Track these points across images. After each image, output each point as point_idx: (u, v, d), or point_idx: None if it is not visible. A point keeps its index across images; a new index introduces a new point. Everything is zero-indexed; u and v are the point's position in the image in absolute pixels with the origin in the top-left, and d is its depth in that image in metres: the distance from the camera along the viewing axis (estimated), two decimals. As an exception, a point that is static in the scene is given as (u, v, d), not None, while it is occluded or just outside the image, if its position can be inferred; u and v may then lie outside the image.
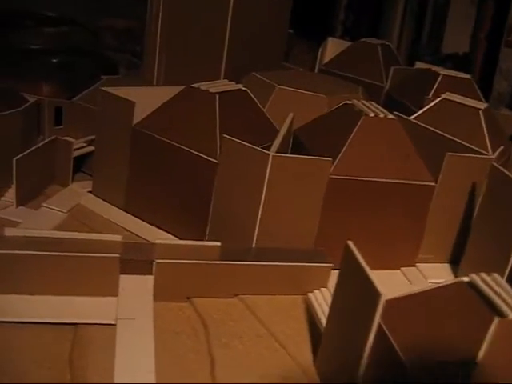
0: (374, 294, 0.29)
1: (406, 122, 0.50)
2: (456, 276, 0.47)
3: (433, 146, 0.48)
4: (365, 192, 0.44)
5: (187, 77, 0.61)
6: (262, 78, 0.59)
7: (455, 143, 0.47)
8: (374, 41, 0.74)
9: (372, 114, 0.45)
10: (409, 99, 0.65)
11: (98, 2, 1.21)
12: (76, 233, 0.42)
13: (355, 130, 0.44)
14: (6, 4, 0.93)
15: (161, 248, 0.41)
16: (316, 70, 0.75)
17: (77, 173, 0.55)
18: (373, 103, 0.48)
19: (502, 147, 0.49)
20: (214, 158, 0.43)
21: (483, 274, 0.30)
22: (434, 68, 0.66)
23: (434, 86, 0.63)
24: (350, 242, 0.32)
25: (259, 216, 0.42)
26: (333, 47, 0.80)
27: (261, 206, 0.42)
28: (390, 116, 0.45)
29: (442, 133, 0.48)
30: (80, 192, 0.53)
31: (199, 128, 0.45)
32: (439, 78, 0.64)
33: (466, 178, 0.45)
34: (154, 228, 0.48)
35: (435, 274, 0.47)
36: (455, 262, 0.48)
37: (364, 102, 0.48)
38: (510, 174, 0.41)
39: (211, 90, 0.46)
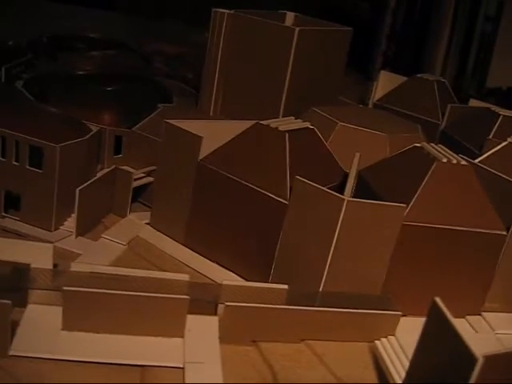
0: (469, 357, 0.28)
1: (475, 167, 0.49)
2: (524, 328, 0.45)
3: (502, 192, 0.47)
4: (436, 239, 0.43)
5: (244, 110, 0.61)
6: (323, 113, 0.59)
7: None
8: (430, 77, 0.74)
9: (445, 160, 0.44)
10: (466, 139, 0.64)
11: (148, 27, 1.22)
12: (142, 270, 0.41)
13: (428, 176, 0.43)
14: (58, 27, 0.94)
15: (227, 289, 0.40)
16: (370, 105, 0.74)
17: (133, 202, 0.55)
18: (442, 146, 0.47)
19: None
20: (284, 199, 0.43)
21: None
22: (494, 108, 0.65)
23: (493, 126, 0.62)
24: (437, 299, 0.31)
25: (329, 260, 0.41)
26: (385, 81, 0.80)
27: (331, 250, 0.41)
28: (463, 162, 0.44)
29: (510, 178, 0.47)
30: (138, 223, 0.52)
31: (268, 166, 0.45)
32: (499, 119, 0.63)
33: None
34: (215, 265, 0.47)
35: (502, 325, 0.46)
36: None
37: (433, 145, 0.47)
38: None
39: (281, 128, 0.46)
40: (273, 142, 0.46)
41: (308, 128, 0.49)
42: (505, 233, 0.44)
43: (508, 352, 0.30)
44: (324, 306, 0.41)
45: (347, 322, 0.41)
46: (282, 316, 0.40)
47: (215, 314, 0.41)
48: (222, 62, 0.63)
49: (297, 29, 0.58)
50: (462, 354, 0.28)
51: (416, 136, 0.58)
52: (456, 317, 0.47)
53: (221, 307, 0.40)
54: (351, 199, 0.40)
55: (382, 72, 0.81)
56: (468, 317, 0.46)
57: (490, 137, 0.62)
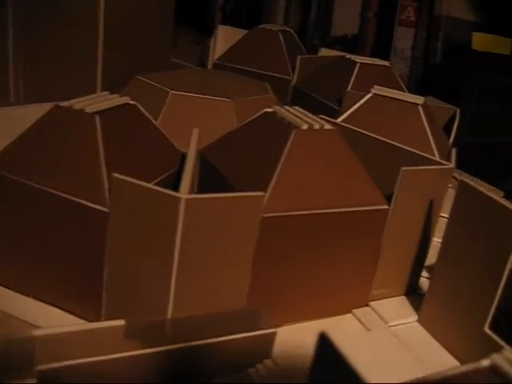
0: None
1: (342, 130, 0.41)
2: (419, 315, 0.38)
3: (375, 156, 0.39)
4: (307, 228, 0.34)
5: (54, 88, 0.49)
6: (150, 82, 0.47)
7: (401, 151, 0.38)
8: (273, 27, 0.64)
9: (305, 126, 0.34)
10: (323, 93, 0.56)
11: None
12: None
13: (286, 149, 0.34)
14: None
15: (43, 341, 0.29)
16: (209, 66, 0.63)
17: None
18: (298, 108, 0.38)
19: (454, 149, 0.40)
20: (103, 206, 0.31)
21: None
22: (349, 55, 0.57)
23: (351, 76, 0.54)
24: (325, 333, 0.22)
25: (174, 277, 0.31)
26: (225, 37, 0.70)
27: (174, 264, 0.31)
28: (327, 126, 0.35)
29: (386, 139, 0.39)
30: None
31: (76, 163, 0.33)
32: (356, 67, 0.55)
33: (423, 195, 0.36)
34: (31, 301, 0.35)
35: (393, 314, 0.38)
36: (413, 293, 0.40)
37: (287, 107, 0.38)
38: (484, 190, 0.33)
39: (88, 110, 0.34)
40: (79, 129, 0.34)
41: (127, 104, 0.38)
42: (386, 206, 0.36)
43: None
44: (175, 341, 0.30)
45: (209, 355, 0.31)
46: (120, 364, 0.29)
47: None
48: (16, 29, 0.49)
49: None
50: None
51: (266, 97, 0.48)
52: (342, 313, 0.40)
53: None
54: (190, 196, 0.30)
55: (220, 27, 0.71)
56: (355, 310, 0.38)
57: (349, 88, 0.54)
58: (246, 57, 0.62)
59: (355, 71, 0.54)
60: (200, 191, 0.40)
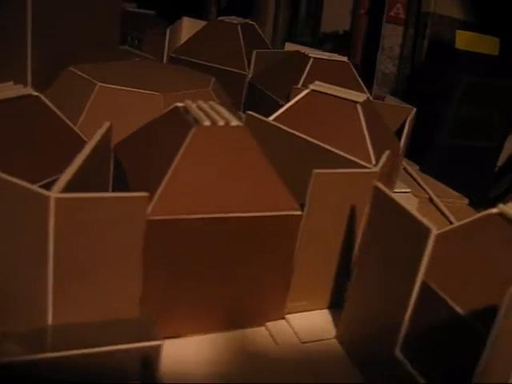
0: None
1: (262, 125, 0.38)
2: (337, 330, 0.35)
3: (299, 156, 0.36)
4: (203, 234, 0.31)
5: None
6: (81, 73, 0.45)
7: (326, 152, 0.35)
8: (233, 20, 0.61)
9: (207, 122, 0.32)
10: (275, 90, 0.53)
11: None
12: None
13: (183, 147, 0.31)
14: None
15: None
16: (165, 58, 0.61)
17: None
18: (213, 104, 0.35)
19: (387, 152, 0.37)
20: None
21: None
22: (304, 50, 0.54)
23: (303, 72, 0.51)
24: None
25: (50, 282, 0.28)
26: (188, 29, 0.67)
27: (49, 268, 0.28)
28: (235, 122, 0.32)
29: (309, 138, 0.36)
30: None
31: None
32: (309, 63, 0.52)
33: (341, 199, 0.33)
34: None
35: (308, 330, 0.35)
36: (339, 306, 0.37)
37: (202, 102, 0.35)
38: (396, 199, 0.30)
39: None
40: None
41: (31, 96, 0.35)
42: (298, 212, 0.33)
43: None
44: (54, 349, 0.28)
45: (88, 365, 0.28)
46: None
47: None
48: None
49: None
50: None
51: (201, 92, 0.46)
52: (255, 325, 0.37)
53: None
54: (60, 195, 0.27)
55: (185, 18, 0.68)
56: (269, 324, 0.35)
57: (300, 83, 0.51)
58: (201, 50, 0.59)
59: (308, 66, 0.51)
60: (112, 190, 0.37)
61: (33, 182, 0.34)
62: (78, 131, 0.37)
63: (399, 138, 0.48)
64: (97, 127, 0.38)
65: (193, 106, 0.34)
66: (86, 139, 0.37)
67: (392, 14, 0.96)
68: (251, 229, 0.31)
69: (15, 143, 0.34)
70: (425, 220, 0.27)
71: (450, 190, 0.57)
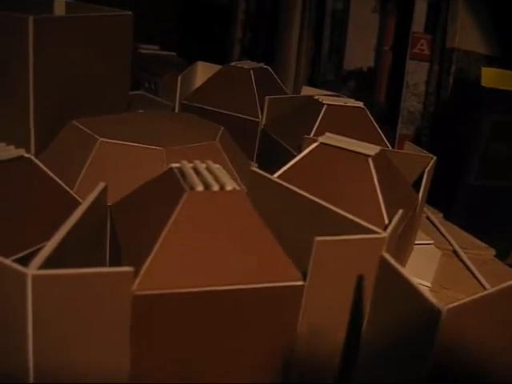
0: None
1: (267, 183, 0.36)
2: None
3: (304, 218, 0.34)
4: (195, 309, 0.28)
5: None
6: (83, 127, 0.43)
7: (332, 213, 0.33)
8: (246, 64, 0.60)
9: (200, 187, 0.30)
10: (287, 138, 0.51)
11: None
12: None
13: (173, 215, 0.29)
14: None
15: None
16: (176, 106, 0.59)
17: None
18: (210, 164, 0.33)
19: (399, 212, 0.35)
20: None
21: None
22: (320, 94, 0.52)
23: (316, 120, 0.49)
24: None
25: (31, 364, 0.26)
26: (203, 74, 0.66)
27: (29, 351, 0.26)
28: (230, 186, 0.30)
29: (314, 198, 0.34)
30: None
31: None
32: (323, 110, 0.50)
33: (346, 269, 0.31)
34: None
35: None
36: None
37: (198, 163, 0.33)
38: (403, 272, 0.27)
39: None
40: None
41: (21, 158, 0.34)
42: (300, 282, 0.30)
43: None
44: None
45: None
46: None
47: None
48: None
49: (30, 17, 0.42)
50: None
51: (207, 145, 0.44)
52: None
53: None
54: (38, 272, 0.25)
55: (199, 63, 0.67)
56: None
57: (313, 132, 0.49)
58: (214, 96, 0.57)
59: (321, 114, 0.49)
60: (110, 258, 0.36)
61: (23, 248, 0.32)
62: (72, 193, 0.36)
63: (418, 189, 0.45)
64: (97, 184, 0.37)
65: (188, 167, 0.32)
66: (81, 201, 0.36)
67: (416, 50, 0.94)
68: (248, 302, 0.29)
69: (5, 207, 0.32)
70: (434, 300, 0.24)
71: (476, 241, 0.53)
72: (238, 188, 0.30)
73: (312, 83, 1.08)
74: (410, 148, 0.50)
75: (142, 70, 0.78)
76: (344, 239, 0.30)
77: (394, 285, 0.27)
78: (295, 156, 0.48)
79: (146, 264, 0.28)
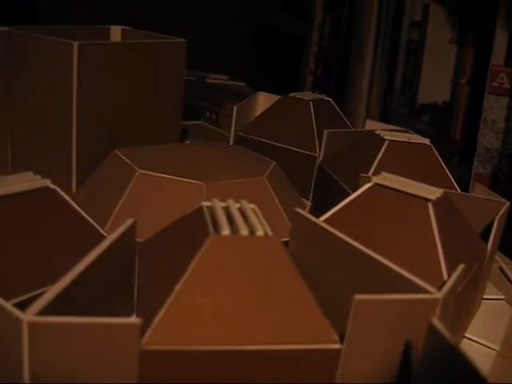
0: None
1: (311, 226, 0.32)
2: None
3: (351, 270, 0.30)
4: (218, 372, 0.25)
5: (38, 158, 0.45)
6: (124, 157, 0.41)
7: (379, 265, 0.29)
8: (306, 95, 0.57)
9: (226, 231, 0.26)
10: (344, 176, 0.47)
11: None
12: None
13: (196, 260, 0.26)
14: None
15: None
16: (231, 138, 0.57)
17: None
18: (244, 205, 0.30)
19: (460, 267, 0.30)
20: None
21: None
22: (379, 131, 0.48)
23: (376, 157, 0.45)
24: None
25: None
26: (263, 104, 0.63)
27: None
28: (261, 231, 0.27)
29: (360, 246, 0.30)
30: None
31: None
32: (384, 146, 0.46)
33: (390, 332, 0.26)
34: None
35: None
36: None
37: (231, 202, 0.30)
38: (449, 338, 0.23)
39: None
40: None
41: (47, 189, 0.32)
42: (337, 346, 0.26)
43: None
44: None
45: None
46: None
47: None
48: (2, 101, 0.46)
49: (75, 43, 0.41)
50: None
51: (255, 181, 0.41)
52: None
53: None
54: (35, 319, 0.23)
55: (260, 93, 0.65)
56: None
57: (371, 170, 0.45)
58: (270, 129, 0.54)
59: (382, 150, 0.45)
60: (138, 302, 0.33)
61: (40, 284, 0.30)
62: (97, 227, 0.33)
63: (487, 237, 0.40)
64: (132, 218, 0.35)
65: (219, 206, 0.29)
66: (106, 236, 0.33)
67: (495, 84, 0.88)
68: (275, 366, 0.25)
69: (25, 239, 0.30)
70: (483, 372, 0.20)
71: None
72: (270, 233, 0.27)
73: (384, 116, 1.04)
74: (480, 191, 0.45)
75: (206, 99, 0.77)
76: (388, 299, 0.26)
77: (443, 354, 0.23)
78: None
79: (159, 315, 0.25)
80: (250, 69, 1.51)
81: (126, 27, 0.54)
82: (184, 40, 0.50)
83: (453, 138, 0.97)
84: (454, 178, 0.47)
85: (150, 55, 0.47)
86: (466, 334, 0.39)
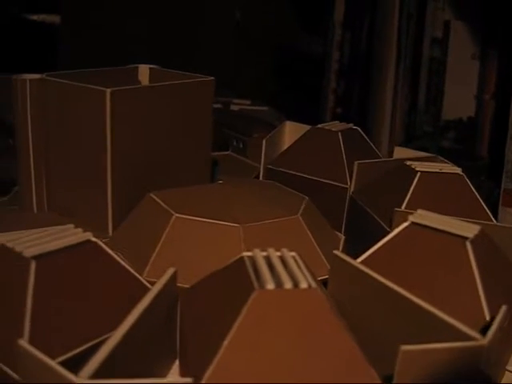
0: None
1: (349, 268, 0.32)
2: None
3: (387, 312, 0.30)
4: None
5: (73, 200, 0.46)
6: (159, 200, 0.42)
7: (421, 310, 0.29)
8: (334, 126, 0.57)
9: (271, 285, 0.27)
10: (377, 208, 0.47)
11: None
12: None
13: (241, 315, 0.26)
14: None
15: None
16: (261, 171, 0.57)
17: None
18: (285, 254, 0.30)
19: (503, 308, 0.30)
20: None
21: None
22: (410, 162, 0.48)
23: (409, 189, 0.45)
24: None
25: None
26: (291, 134, 0.63)
27: None
28: (305, 284, 0.27)
29: (400, 290, 0.30)
30: None
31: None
32: (416, 178, 0.46)
33: (437, 380, 0.26)
34: None
35: None
36: None
37: (272, 251, 0.30)
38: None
39: (26, 253, 0.29)
40: (14, 274, 0.29)
41: (89, 242, 0.32)
42: (383, 395, 0.26)
43: None
44: None
45: None
46: None
47: None
48: (35, 141, 0.47)
49: (108, 91, 0.42)
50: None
51: (290, 220, 0.41)
52: None
53: None
54: (88, 382, 0.23)
55: (288, 123, 0.65)
56: None
57: (405, 204, 0.45)
58: (300, 161, 0.55)
59: (414, 183, 0.45)
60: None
61: (88, 338, 0.30)
62: (140, 278, 0.34)
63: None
64: (171, 262, 0.35)
65: (260, 257, 0.29)
66: (149, 286, 0.34)
67: (521, 99, 0.87)
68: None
69: (70, 294, 0.31)
70: None
71: None
72: (313, 285, 0.27)
73: (408, 134, 1.03)
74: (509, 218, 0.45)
75: (231, 127, 0.77)
76: (434, 348, 0.26)
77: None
78: (384, 228, 0.44)
79: (209, 372, 0.25)
80: (272, 90, 1.51)
81: (153, 66, 0.55)
82: (212, 78, 0.51)
83: (480, 154, 0.96)
84: (483, 195, 0.47)
85: (180, 96, 0.48)
86: (508, 367, 0.39)
